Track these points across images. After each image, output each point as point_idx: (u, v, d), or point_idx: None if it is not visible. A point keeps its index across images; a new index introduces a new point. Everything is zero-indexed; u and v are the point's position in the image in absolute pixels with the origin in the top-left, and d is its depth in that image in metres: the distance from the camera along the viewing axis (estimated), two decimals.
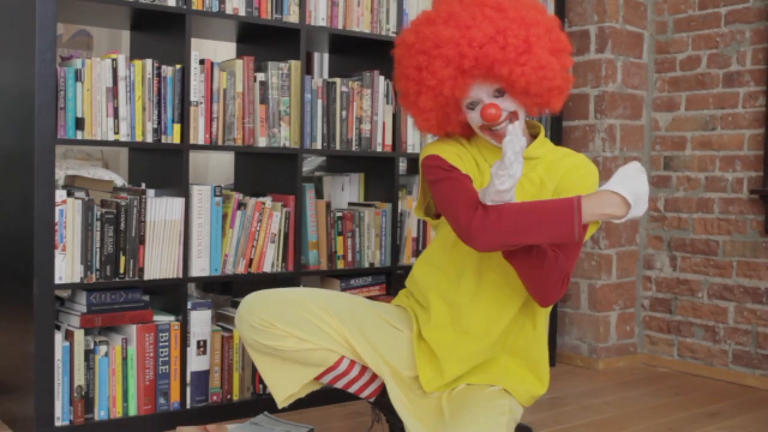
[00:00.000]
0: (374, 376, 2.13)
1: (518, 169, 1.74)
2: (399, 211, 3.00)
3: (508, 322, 2.05)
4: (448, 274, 2.06)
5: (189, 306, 2.55)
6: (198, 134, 2.55)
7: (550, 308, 2.08)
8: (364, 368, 2.11)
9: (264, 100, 2.68)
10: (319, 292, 2.08)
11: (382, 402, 2.15)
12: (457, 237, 2.00)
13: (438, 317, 2.06)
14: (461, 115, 1.97)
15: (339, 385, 2.12)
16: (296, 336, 1.99)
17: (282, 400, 2.09)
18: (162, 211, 2.48)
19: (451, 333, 2.06)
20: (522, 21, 1.87)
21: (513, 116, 1.94)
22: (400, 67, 1.98)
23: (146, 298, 2.52)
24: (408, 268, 3.02)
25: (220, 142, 2.60)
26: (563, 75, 1.94)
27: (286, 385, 2.08)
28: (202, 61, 2.56)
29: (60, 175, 3.44)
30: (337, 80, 2.85)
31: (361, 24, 2.89)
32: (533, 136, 2.08)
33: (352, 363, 2.08)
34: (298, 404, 2.77)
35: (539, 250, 1.86)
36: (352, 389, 2.13)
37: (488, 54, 1.83)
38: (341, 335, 2.03)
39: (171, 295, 2.58)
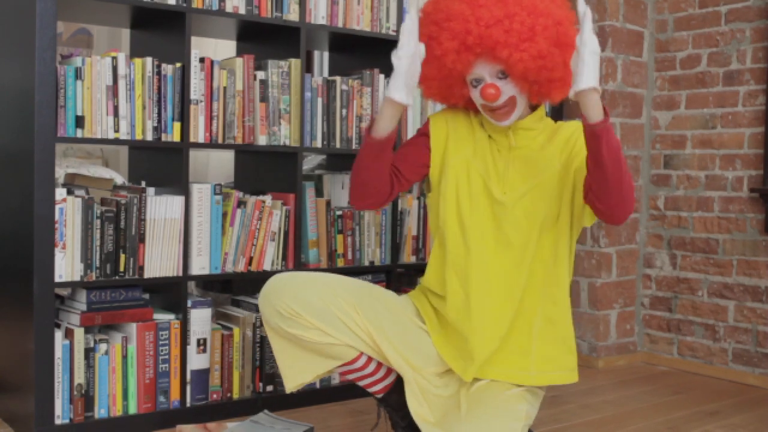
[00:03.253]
0: (387, 374, 2.13)
1: None
2: (399, 209, 3.00)
3: (526, 282, 2.04)
4: (457, 252, 2.07)
5: (189, 304, 2.55)
6: (198, 132, 2.55)
7: (569, 283, 2.09)
8: (380, 365, 2.12)
9: (264, 98, 2.68)
10: (348, 284, 2.08)
11: (389, 400, 2.15)
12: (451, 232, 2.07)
13: (454, 298, 2.05)
14: (465, 90, 2.04)
15: (350, 377, 2.12)
16: (321, 329, 2.00)
17: (293, 386, 2.10)
18: (162, 209, 2.48)
19: (469, 309, 2.03)
20: (532, 9, 1.92)
21: (511, 101, 1.98)
22: (420, 33, 2.03)
23: (146, 296, 2.52)
24: (408, 266, 3.02)
25: (220, 141, 2.60)
26: (567, 69, 1.96)
27: (300, 373, 2.08)
28: (202, 60, 2.56)
29: (60, 173, 3.44)
30: (337, 78, 2.85)
31: (361, 22, 2.89)
32: (533, 108, 2.11)
33: (369, 360, 2.09)
34: (298, 402, 2.77)
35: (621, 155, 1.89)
36: (362, 383, 2.13)
37: (492, 35, 1.89)
38: (367, 333, 2.04)
39: (171, 294, 2.59)
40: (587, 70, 1.78)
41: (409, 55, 1.92)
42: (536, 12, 1.92)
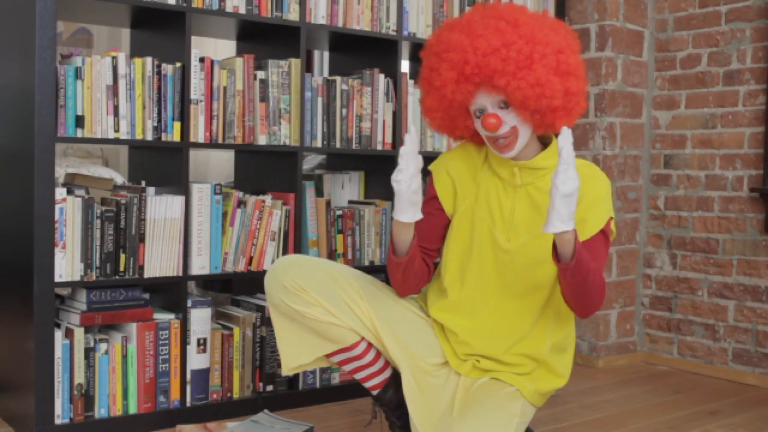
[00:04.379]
0: (384, 367, 2.14)
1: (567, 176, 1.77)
2: None
3: (531, 324, 2.08)
4: (455, 298, 2.12)
5: (189, 304, 2.55)
6: (198, 132, 2.55)
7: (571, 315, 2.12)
8: (378, 356, 2.13)
9: (264, 98, 2.68)
10: (353, 272, 2.11)
11: (383, 398, 2.16)
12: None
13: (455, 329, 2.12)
14: (469, 121, 2.04)
15: (348, 368, 2.13)
16: (324, 307, 2.02)
17: (291, 368, 2.11)
18: (162, 209, 2.48)
19: (472, 347, 2.11)
20: (530, 38, 1.92)
21: (514, 131, 1.97)
22: (423, 67, 2.07)
23: (146, 296, 2.52)
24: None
25: (220, 140, 2.60)
26: (568, 97, 1.96)
27: (299, 353, 2.09)
28: (202, 59, 2.56)
29: (60, 173, 3.44)
30: (337, 78, 2.85)
31: (361, 22, 2.89)
32: (544, 145, 2.11)
33: (368, 348, 2.10)
34: (298, 402, 2.77)
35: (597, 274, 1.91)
36: (359, 375, 2.13)
37: (490, 63, 1.90)
38: (369, 319, 2.06)
39: (171, 293, 2.59)
40: (555, 215, 1.76)
41: (407, 178, 1.90)
42: (534, 40, 1.92)
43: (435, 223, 2.15)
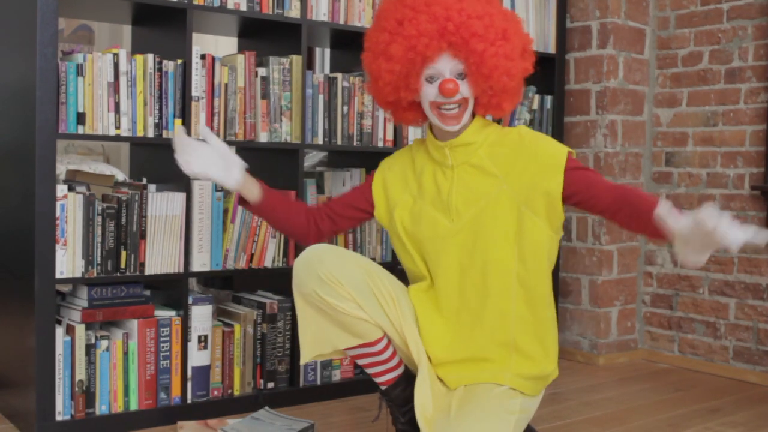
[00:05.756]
0: (399, 364, 2.14)
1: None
2: None
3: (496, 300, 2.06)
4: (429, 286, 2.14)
5: (190, 301, 2.55)
6: (199, 129, 2.55)
7: (550, 292, 2.10)
8: (395, 353, 2.13)
9: (265, 95, 2.68)
10: (383, 270, 2.11)
11: (391, 393, 2.16)
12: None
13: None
14: (418, 84, 2.00)
15: (363, 361, 2.12)
16: (357, 302, 2.01)
17: (310, 357, 2.11)
18: (163, 205, 2.48)
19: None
20: (504, 15, 2.01)
21: (464, 102, 1.99)
22: (380, 19, 2.03)
23: (147, 292, 2.52)
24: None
25: (221, 137, 2.60)
26: (521, 81, 2.03)
27: (320, 344, 2.09)
28: (203, 56, 2.56)
29: (61, 169, 3.44)
30: (339, 75, 2.84)
31: (362, 19, 2.89)
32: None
33: (388, 345, 2.10)
34: (299, 399, 2.78)
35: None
36: (373, 370, 2.13)
37: (471, 26, 1.92)
38: (397, 319, 2.06)
39: (172, 290, 2.59)
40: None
41: (201, 162, 2.09)
42: (507, 18, 2.00)
43: (353, 198, 2.22)
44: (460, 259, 2.05)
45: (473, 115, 2.07)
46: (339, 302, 2.00)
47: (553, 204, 1.99)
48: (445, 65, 1.96)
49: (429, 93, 1.99)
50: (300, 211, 2.20)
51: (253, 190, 2.14)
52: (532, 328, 2.07)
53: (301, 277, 2.03)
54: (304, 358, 2.11)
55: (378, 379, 2.15)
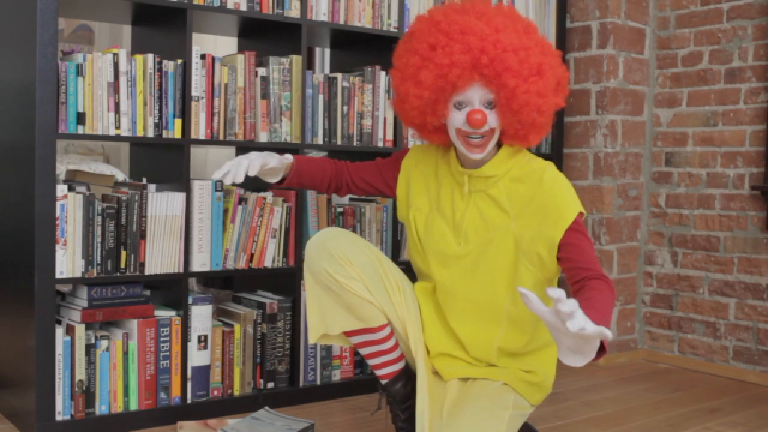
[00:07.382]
0: (400, 358, 2.15)
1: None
2: None
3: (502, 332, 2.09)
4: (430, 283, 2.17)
5: (190, 301, 2.55)
6: (199, 129, 2.55)
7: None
8: (397, 345, 2.14)
9: (265, 95, 2.68)
10: (392, 262, 2.14)
11: (392, 389, 2.16)
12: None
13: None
14: (445, 110, 1.98)
15: (365, 351, 2.13)
16: (365, 284, 2.03)
17: (318, 336, 2.12)
18: (163, 205, 2.48)
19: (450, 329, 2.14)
20: (542, 48, 1.95)
21: (490, 133, 1.97)
22: (412, 41, 1.99)
23: (147, 292, 2.52)
24: (409, 264, 3.02)
25: (221, 137, 2.60)
26: (551, 117, 1.99)
27: (328, 323, 2.09)
28: (203, 56, 2.56)
29: (61, 169, 3.44)
30: (339, 75, 2.84)
31: (362, 19, 2.89)
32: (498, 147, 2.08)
33: (391, 334, 2.12)
34: (299, 399, 2.78)
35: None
36: (374, 360, 2.14)
37: (505, 60, 1.88)
38: (400, 308, 2.08)
39: (172, 290, 2.59)
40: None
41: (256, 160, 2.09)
42: (545, 52, 1.94)
43: (377, 172, 2.25)
44: (460, 281, 2.07)
45: (500, 144, 2.06)
46: (348, 281, 2.01)
47: (552, 252, 1.96)
48: (475, 94, 1.93)
49: (456, 120, 1.96)
50: (324, 180, 2.27)
51: (278, 173, 2.22)
52: (522, 358, 2.11)
53: (311, 255, 2.05)
54: (312, 338, 2.13)
55: (379, 372, 2.16)
